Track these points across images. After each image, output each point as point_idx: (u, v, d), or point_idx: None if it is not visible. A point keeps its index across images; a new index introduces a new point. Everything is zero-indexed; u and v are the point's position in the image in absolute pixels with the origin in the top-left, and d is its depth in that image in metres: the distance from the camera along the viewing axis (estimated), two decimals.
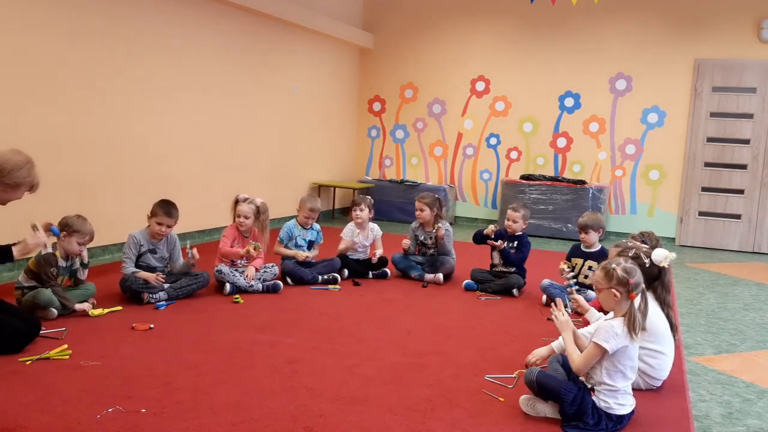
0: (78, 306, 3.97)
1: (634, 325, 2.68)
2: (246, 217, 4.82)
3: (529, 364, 3.07)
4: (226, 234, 4.88)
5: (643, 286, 2.79)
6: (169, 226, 4.45)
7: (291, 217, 5.49)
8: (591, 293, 4.41)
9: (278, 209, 8.02)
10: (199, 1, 6.52)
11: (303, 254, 5.13)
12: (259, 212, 4.87)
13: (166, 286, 4.39)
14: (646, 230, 4.19)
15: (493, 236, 5.11)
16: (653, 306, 3.22)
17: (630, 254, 3.23)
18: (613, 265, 2.76)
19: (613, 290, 2.74)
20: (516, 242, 5.12)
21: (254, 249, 4.75)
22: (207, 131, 6.81)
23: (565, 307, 3.92)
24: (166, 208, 4.43)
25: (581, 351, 2.81)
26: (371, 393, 2.99)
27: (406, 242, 5.47)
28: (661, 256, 3.22)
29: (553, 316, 2.92)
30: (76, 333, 3.56)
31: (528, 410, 2.83)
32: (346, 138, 9.64)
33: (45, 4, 4.99)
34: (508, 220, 5.14)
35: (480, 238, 5.20)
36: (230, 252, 4.80)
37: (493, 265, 5.23)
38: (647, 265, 3.21)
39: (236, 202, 4.88)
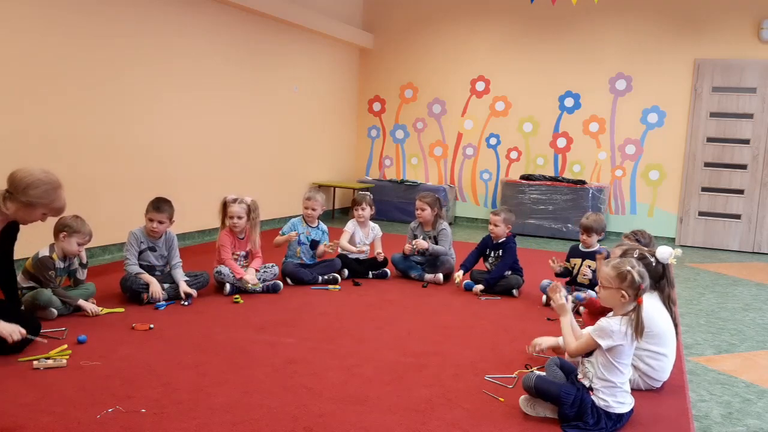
0: (82, 302, 3.97)
1: (638, 328, 2.71)
2: (239, 217, 4.80)
3: (531, 349, 3.21)
4: (224, 243, 4.80)
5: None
6: (161, 222, 4.40)
7: (291, 217, 5.49)
8: (591, 292, 4.42)
9: (278, 209, 8.03)
10: (200, 2, 6.52)
11: (295, 234, 5.12)
12: (250, 210, 4.86)
13: (166, 286, 4.39)
14: (638, 229, 4.22)
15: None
16: (659, 307, 3.22)
17: (635, 255, 3.22)
18: (628, 268, 2.77)
19: (623, 291, 2.76)
20: (500, 250, 5.09)
21: (251, 281, 4.68)
22: (207, 131, 6.81)
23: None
24: (155, 204, 4.42)
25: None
26: (371, 393, 2.99)
27: (408, 248, 5.44)
28: (666, 253, 3.22)
29: (552, 300, 3.02)
30: (77, 333, 3.55)
31: (528, 410, 2.83)
32: (346, 138, 9.64)
33: (44, 5, 4.99)
34: (491, 223, 5.14)
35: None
36: (234, 267, 4.74)
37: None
38: (653, 264, 3.22)
39: (225, 204, 4.85)
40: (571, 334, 2.91)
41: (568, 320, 2.96)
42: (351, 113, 9.70)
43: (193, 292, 4.44)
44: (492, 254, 5.14)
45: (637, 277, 2.74)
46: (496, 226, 5.08)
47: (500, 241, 5.11)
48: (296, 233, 5.16)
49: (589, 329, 2.81)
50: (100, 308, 4.07)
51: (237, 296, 4.56)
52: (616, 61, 8.45)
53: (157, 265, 4.49)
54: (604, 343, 2.70)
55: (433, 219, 5.45)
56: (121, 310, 4.12)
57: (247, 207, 4.82)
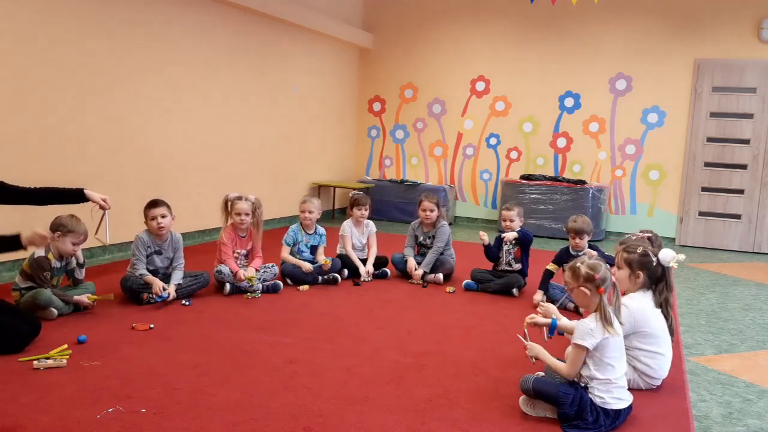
0: (77, 297, 3.97)
1: (606, 318, 2.74)
2: (246, 215, 4.81)
3: (527, 325, 3.14)
4: (225, 241, 4.80)
5: (613, 280, 2.84)
6: (163, 216, 4.39)
7: (291, 217, 5.50)
8: None
9: (278, 209, 8.03)
10: (199, 2, 6.52)
11: (308, 266, 5.03)
12: (255, 208, 4.86)
13: (167, 286, 4.38)
14: (647, 229, 4.20)
15: (488, 243, 5.13)
16: (651, 307, 3.21)
17: (639, 251, 3.23)
18: (578, 264, 2.85)
19: (582, 288, 2.81)
20: (515, 240, 5.10)
21: (249, 280, 4.63)
22: (207, 131, 6.82)
23: (564, 308, 3.89)
24: (149, 204, 4.44)
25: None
26: (371, 393, 2.99)
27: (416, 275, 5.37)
28: (669, 257, 3.20)
29: (527, 350, 2.97)
30: (77, 333, 3.55)
31: (528, 410, 2.83)
32: (346, 138, 9.64)
33: (45, 7, 4.99)
34: (505, 220, 5.12)
35: (492, 251, 5.18)
36: (233, 267, 4.73)
37: (496, 265, 5.20)
38: (654, 264, 3.21)
39: (228, 201, 4.84)
40: (556, 361, 2.88)
41: (544, 352, 2.91)
42: (351, 113, 9.69)
43: (171, 295, 4.31)
44: (508, 244, 5.13)
45: (586, 270, 2.79)
46: (511, 221, 5.07)
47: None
48: (309, 266, 5.05)
49: (573, 339, 2.78)
50: (91, 298, 4.04)
51: (256, 291, 4.59)
52: (616, 61, 8.45)
53: (161, 267, 4.48)
54: (588, 343, 2.71)
55: (435, 219, 5.48)
56: (111, 296, 4.12)
57: (252, 204, 4.83)
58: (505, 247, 5.13)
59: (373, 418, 2.72)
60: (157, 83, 6.10)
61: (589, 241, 4.82)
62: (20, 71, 4.87)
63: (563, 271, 4.78)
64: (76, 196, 3.84)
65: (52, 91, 5.12)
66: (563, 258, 4.75)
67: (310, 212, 5.21)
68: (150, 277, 4.32)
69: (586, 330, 2.73)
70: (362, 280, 5.27)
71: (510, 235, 5.03)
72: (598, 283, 2.77)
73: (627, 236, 4.09)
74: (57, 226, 4.00)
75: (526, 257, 5.12)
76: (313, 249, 5.27)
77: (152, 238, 4.44)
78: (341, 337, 3.82)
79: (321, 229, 5.35)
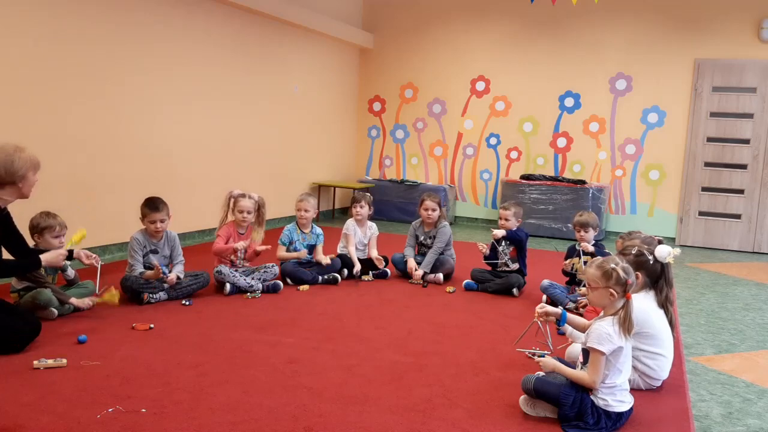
0: (75, 301, 3.96)
1: (627, 324, 2.70)
2: (248, 212, 4.81)
3: (538, 315, 3.08)
4: (221, 233, 4.83)
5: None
6: (162, 221, 4.39)
7: (291, 217, 5.50)
8: None
9: (278, 209, 8.02)
10: (200, 2, 6.52)
11: (303, 253, 5.10)
12: (259, 207, 4.87)
13: (166, 286, 4.38)
14: (634, 230, 4.21)
15: (488, 252, 5.17)
16: (653, 307, 3.21)
17: (633, 251, 3.22)
18: (612, 266, 2.77)
19: (611, 290, 2.75)
20: (508, 239, 5.11)
21: (254, 240, 4.75)
22: (207, 131, 6.82)
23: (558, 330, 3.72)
24: (150, 204, 4.41)
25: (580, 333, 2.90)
26: (371, 393, 2.99)
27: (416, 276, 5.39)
28: (665, 252, 3.20)
29: (540, 363, 2.90)
30: (77, 333, 3.55)
31: (528, 410, 2.83)
32: (346, 138, 9.64)
33: (45, 8, 4.99)
34: (501, 219, 5.14)
35: (490, 257, 5.20)
36: (223, 249, 4.73)
37: (495, 265, 5.20)
38: (651, 262, 3.20)
39: (231, 198, 4.85)
40: (575, 372, 2.78)
41: (563, 367, 2.81)
42: (351, 113, 9.69)
43: (172, 278, 4.37)
44: (503, 243, 5.14)
45: (622, 274, 2.73)
46: (507, 220, 5.08)
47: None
48: (305, 252, 5.12)
49: (588, 343, 2.73)
50: (93, 300, 4.02)
51: (256, 291, 4.62)
52: (616, 61, 8.45)
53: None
54: (606, 349, 2.67)
55: (437, 219, 5.48)
56: (116, 298, 4.05)
57: (255, 203, 4.84)
58: (500, 247, 5.14)
59: (373, 418, 2.72)
60: (157, 83, 6.10)
61: (595, 237, 4.84)
62: (20, 71, 4.87)
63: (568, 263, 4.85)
64: (35, 264, 3.69)
65: (51, 91, 5.11)
66: (571, 254, 4.86)
67: (306, 211, 5.22)
68: (149, 272, 4.32)
69: (604, 335, 2.68)
70: (355, 272, 5.30)
71: (499, 233, 5.04)
72: (629, 288, 2.73)
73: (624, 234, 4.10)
74: (33, 228, 4.02)
75: (523, 257, 5.12)
76: (311, 249, 5.27)
77: (147, 238, 4.44)
78: (341, 337, 3.82)
79: (318, 229, 5.35)
